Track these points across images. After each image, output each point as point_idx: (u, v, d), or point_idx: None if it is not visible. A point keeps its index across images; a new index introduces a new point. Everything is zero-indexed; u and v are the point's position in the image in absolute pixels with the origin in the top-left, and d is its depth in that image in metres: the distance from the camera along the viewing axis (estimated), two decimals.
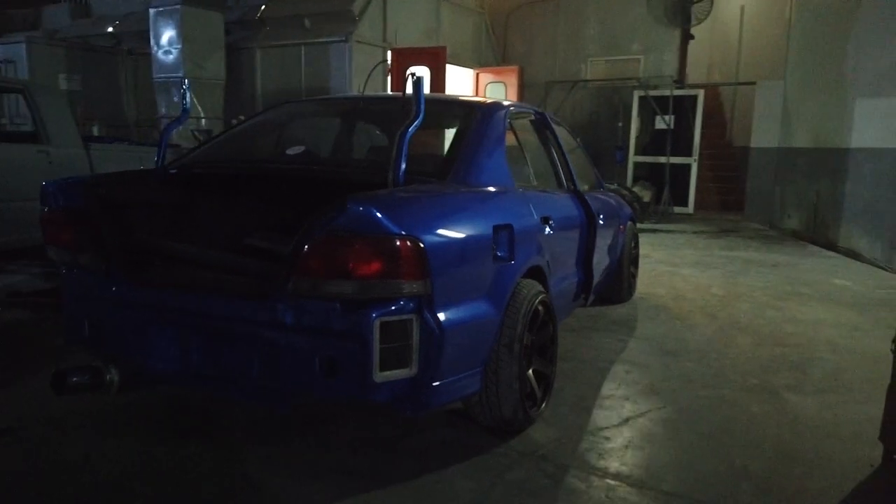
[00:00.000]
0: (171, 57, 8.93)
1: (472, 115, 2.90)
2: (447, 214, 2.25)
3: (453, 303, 2.21)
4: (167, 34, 8.92)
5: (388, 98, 3.27)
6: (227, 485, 2.32)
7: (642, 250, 7.82)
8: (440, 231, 2.15)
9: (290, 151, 2.92)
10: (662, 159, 11.43)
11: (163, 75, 9.05)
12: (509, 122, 3.15)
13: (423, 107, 2.35)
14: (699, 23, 11.41)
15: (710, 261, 7.24)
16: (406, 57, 8.99)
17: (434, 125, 3.22)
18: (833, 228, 8.59)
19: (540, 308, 2.76)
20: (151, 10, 8.96)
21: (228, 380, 2.29)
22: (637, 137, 11.93)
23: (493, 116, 2.96)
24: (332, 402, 2.42)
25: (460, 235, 2.26)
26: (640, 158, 12.00)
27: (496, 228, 2.46)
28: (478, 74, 11.11)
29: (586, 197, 3.74)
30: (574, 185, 3.69)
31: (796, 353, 3.97)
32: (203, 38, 8.99)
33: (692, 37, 11.66)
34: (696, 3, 11.27)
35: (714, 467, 2.53)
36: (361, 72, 8.78)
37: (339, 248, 1.99)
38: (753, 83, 11.06)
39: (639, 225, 10.21)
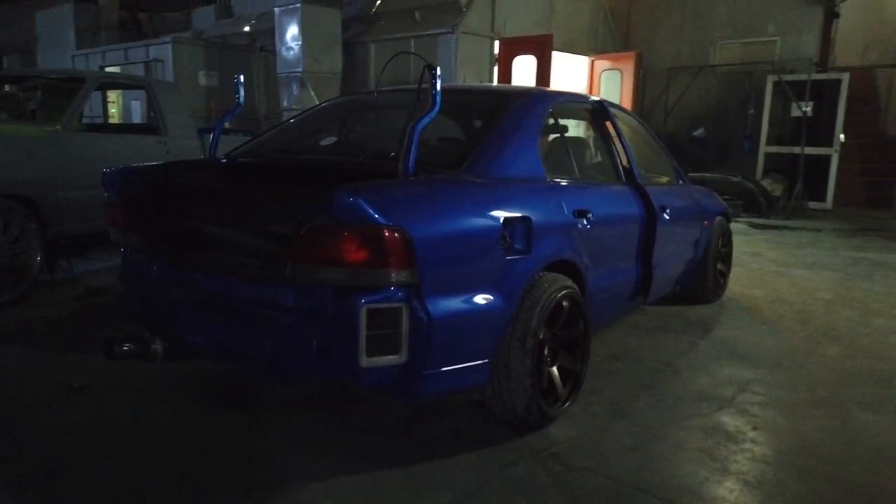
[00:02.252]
0: (292, 53, 9.48)
1: (503, 106, 2.87)
2: (442, 206, 2.26)
3: (448, 293, 2.23)
4: (290, 31, 9.46)
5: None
6: (241, 453, 2.50)
7: (756, 248, 7.32)
8: (432, 222, 2.17)
9: (322, 142, 3.05)
10: (797, 150, 10.51)
11: (285, 70, 9.62)
12: (551, 113, 3.08)
13: (438, 98, 2.37)
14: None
15: (831, 262, 6.60)
16: (513, 47, 8.92)
17: (471, 116, 3.21)
18: None
19: (565, 303, 2.70)
20: (276, 9, 9.55)
21: (244, 356, 2.45)
22: (769, 126, 11.05)
23: (523, 107, 2.91)
24: (328, 384, 2.53)
25: (456, 227, 2.26)
26: (772, 149, 11.12)
27: (508, 221, 2.44)
28: (593, 62, 10.78)
29: (649, 190, 3.57)
30: (634, 177, 3.53)
31: (889, 367, 3.56)
32: (321, 34, 9.44)
33: (837, 15, 10.59)
34: None
35: (727, 483, 2.36)
36: (468, 63, 8.83)
37: (329, 237, 2.08)
38: None
39: (765, 221, 9.56)
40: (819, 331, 4.22)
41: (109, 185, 2.74)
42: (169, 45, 10.43)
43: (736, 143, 11.33)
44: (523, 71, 8.86)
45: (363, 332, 2.09)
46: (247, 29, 12.02)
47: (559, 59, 9.99)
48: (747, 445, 2.64)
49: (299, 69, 9.43)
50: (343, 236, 2.06)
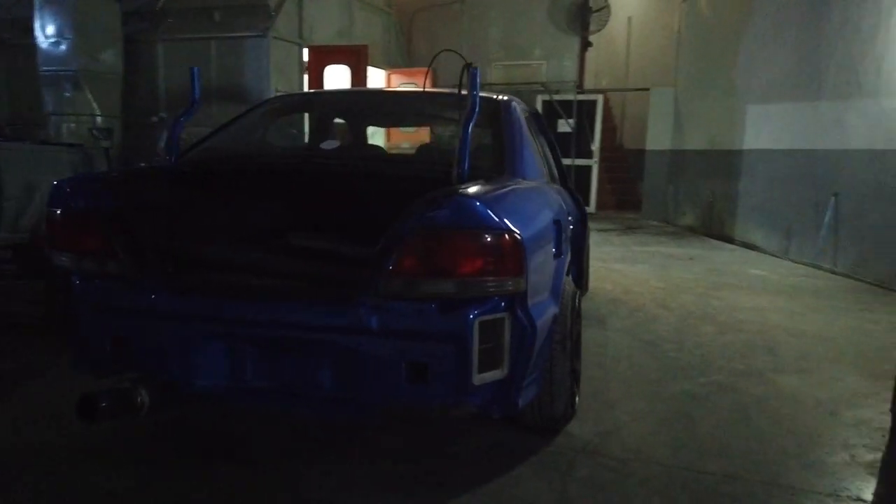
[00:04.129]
0: (60, 48, 8.06)
1: (500, 110, 2.85)
2: (531, 209, 2.21)
3: (537, 300, 2.16)
4: (55, 23, 8.04)
5: (426, 94, 3.17)
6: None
7: None
8: (529, 225, 2.09)
9: (324, 146, 2.72)
10: (567, 161, 11.86)
11: (51, 68, 8.13)
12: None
13: (478, 100, 2.28)
14: (598, 31, 11.98)
15: (634, 256, 7.60)
16: (325, 55, 8.71)
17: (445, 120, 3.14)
18: (729, 223, 9.32)
19: (577, 304, 2.77)
20: None
21: (292, 393, 2.10)
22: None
23: (516, 110, 2.93)
24: (418, 409, 2.28)
25: (540, 230, 2.22)
26: None
27: (554, 223, 2.44)
28: (389, 75, 10.99)
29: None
30: (566, 180, 3.73)
31: (759, 338, 4.24)
32: (97, 28, 8.19)
33: (590, 44, 12.23)
34: (595, 12, 11.83)
35: (753, 448, 2.64)
36: (280, 69, 8.39)
37: (441, 245, 1.89)
38: (647, 89, 11.77)
39: None
40: (683, 313, 4.86)
41: (71, 201, 2.11)
42: None
43: None
44: (336, 81, 8.70)
45: (476, 348, 1.93)
46: None
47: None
48: (726, 415, 2.96)
49: (72, 67, 8.07)
50: (458, 243, 1.89)
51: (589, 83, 13.96)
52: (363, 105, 3.21)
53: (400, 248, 1.89)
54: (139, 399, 2.06)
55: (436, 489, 2.28)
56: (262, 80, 8.18)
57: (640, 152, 12.51)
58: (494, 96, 3.08)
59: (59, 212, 2.13)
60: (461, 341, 1.91)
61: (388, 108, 3.23)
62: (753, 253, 8.09)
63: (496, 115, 2.80)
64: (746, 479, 2.39)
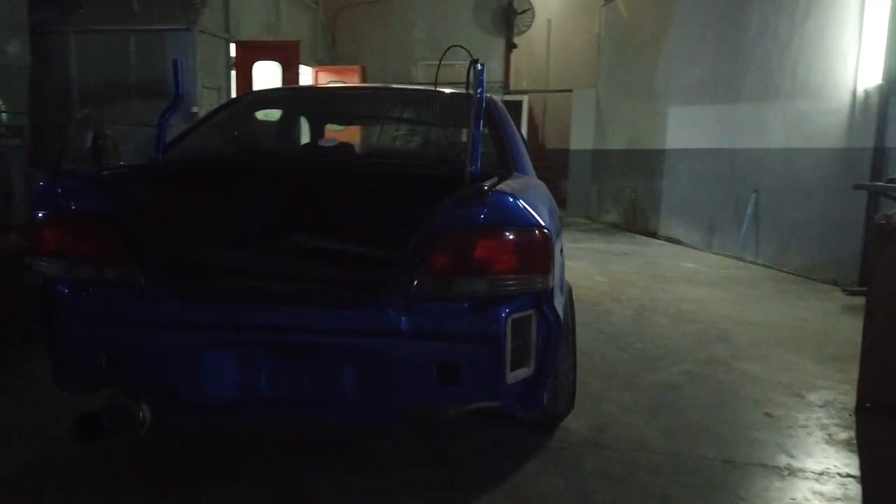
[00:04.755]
0: None
1: (489, 107, 2.83)
2: (546, 205, 2.21)
3: (557, 297, 2.17)
4: None
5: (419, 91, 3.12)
6: None
7: None
8: (550, 221, 2.09)
9: (323, 143, 2.59)
10: None
11: None
12: None
13: (483, 96, 2.26)
14: (522, 33, 12.20)
15: (571, 252, 7.61)
16: (254, 51, 8.41)
17: (443, 118, 3.09)
18: (652, 219, 9.73)
19: (572, 299, 2.80)
20: None
21: (310, 401, 2.00)
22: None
23: (502, 107, 2.93)
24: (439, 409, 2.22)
25: (555, 226, 2.23)
26: None
27: (559, 219, 2.46)
28: (317, 73, 10.75)
29: None
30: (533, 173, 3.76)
31: (710, 327, 4.45)
32: (1, 16, 7.57)
33: (515, 46, 12.42)
34: (520, 14, 12.04)
35: (739, 433, 2.77)
36: (206, 65, 8.02)
37: (477, 243, 1.86)
38: (570, 91, 12.11)
39: None
40: (635, 306, 5.02)
41: (63, 202, 1.91)
42: None
43: None
44: (266, 78, 8.42)
45: (509, 347, 1.92)
46: None
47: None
48: (707, 401, 3.09)
49: None
50: (495, 241, 1.87)
51: (511, 84, 14.25)
52: (362, 103, 3.10)
53: (432, 247, 1.85)
54: (141, 415, 1.92)
55: (451, 492, 2.25)
56: (188, 77, 7.79)
57: (562, 152, 12.86)
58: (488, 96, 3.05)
59: (48, 214, 1.93)
60: (495, 340, 1.89)
61: (393, 107, 3.13)
62: (679, 247, 8.48)
63: (488, 113, 2.79)
64: (743, 462, 2.49)
